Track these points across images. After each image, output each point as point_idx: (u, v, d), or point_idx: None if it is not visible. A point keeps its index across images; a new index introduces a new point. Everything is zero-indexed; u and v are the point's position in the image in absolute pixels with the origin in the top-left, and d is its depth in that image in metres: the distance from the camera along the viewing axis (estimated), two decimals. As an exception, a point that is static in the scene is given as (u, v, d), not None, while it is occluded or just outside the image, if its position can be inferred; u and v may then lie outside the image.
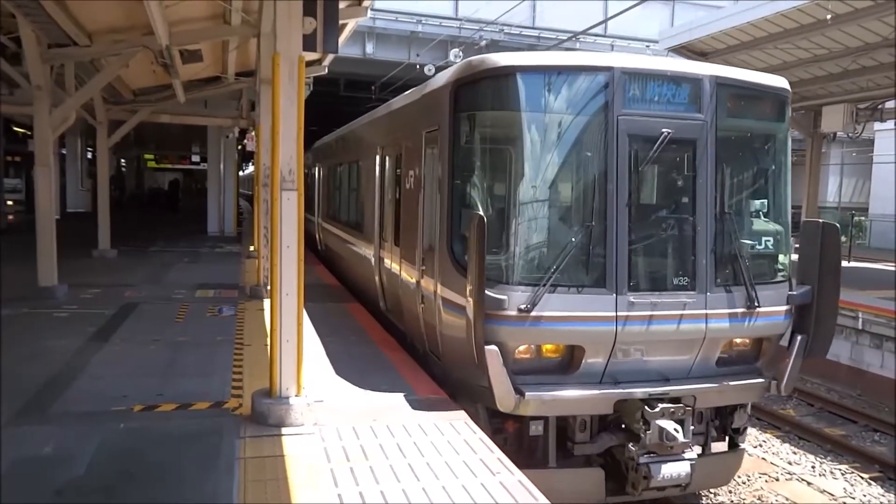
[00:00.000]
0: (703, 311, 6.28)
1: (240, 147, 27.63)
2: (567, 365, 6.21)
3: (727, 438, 7.10)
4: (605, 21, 18.21)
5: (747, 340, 6.75)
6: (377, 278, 9.49)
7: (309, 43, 5.70)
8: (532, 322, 5.89)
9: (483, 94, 6.44)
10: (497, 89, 6.31)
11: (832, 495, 8.99)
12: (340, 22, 6.22)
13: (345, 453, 5.18)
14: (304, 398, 5.71)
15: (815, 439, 10.85)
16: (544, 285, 5.89)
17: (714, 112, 6.35)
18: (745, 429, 7.16)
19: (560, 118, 6.14)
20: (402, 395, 6.60)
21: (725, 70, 6.67)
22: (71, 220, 25.64)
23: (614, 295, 6.03)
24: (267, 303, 6.21)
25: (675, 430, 5.95)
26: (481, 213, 5.86)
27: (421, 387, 6.88)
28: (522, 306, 5.85)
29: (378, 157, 9.66)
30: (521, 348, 6.10)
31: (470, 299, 5.72)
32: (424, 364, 7.54)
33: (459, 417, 6.06)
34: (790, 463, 9.99)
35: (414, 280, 7.49)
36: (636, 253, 6.19)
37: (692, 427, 6.41)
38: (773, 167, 6.90)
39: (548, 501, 4.56)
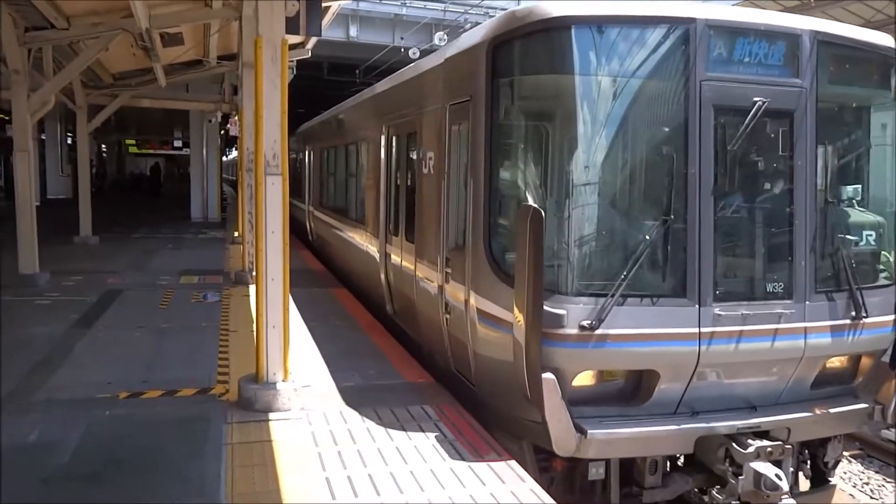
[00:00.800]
0: (802, 325, 5.16)
1: (223, 132, 27.38)
2: (635, 392, 5.09)
3: (809, 468, 5.96)
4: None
5: (845, 357, 5.66)
6: (383, 277, 8.45)
7: (292, 26, 5.65)
8: (596, 342, 4.75)
9: (530, 53, 5.21)
10: (548, 47, 5.06)
11: (813, 473, 9.14)
12: (323, 4, 6.15)
13: (332, 437, 5.19)
14: (290, 383, 5.71)
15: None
16: (613, 296, 4.73)
17: (814, 76, 5.16)
18: (838, 462, 5.99)
19: (628, 84, 4.90)
20: (389, 379, 6.62)
21: (826, 24, 5.41)
22: (52, 207, 25.34)
23: (697, 306, 4.90)
24: (252, 288, 6.18)
25: (777, 476, 4.79)
26: (534, 204, 4.67)
27: (408, 371, 6.90)
28: (585, 323, 4.71)
29: (384, 138, 8.45)
30: (581, 374, 4.98)
31: (521, 315, 4.57)
32: (449, 384, 6.44)
33: (447, 401, 6.07)
34: (772, 442, 10.12)
35: (435, 284, 6.38)
36: (723, 253, 5.08)
37: (791, 469, 5.32)
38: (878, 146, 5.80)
39: (535, 483, 4.61)
